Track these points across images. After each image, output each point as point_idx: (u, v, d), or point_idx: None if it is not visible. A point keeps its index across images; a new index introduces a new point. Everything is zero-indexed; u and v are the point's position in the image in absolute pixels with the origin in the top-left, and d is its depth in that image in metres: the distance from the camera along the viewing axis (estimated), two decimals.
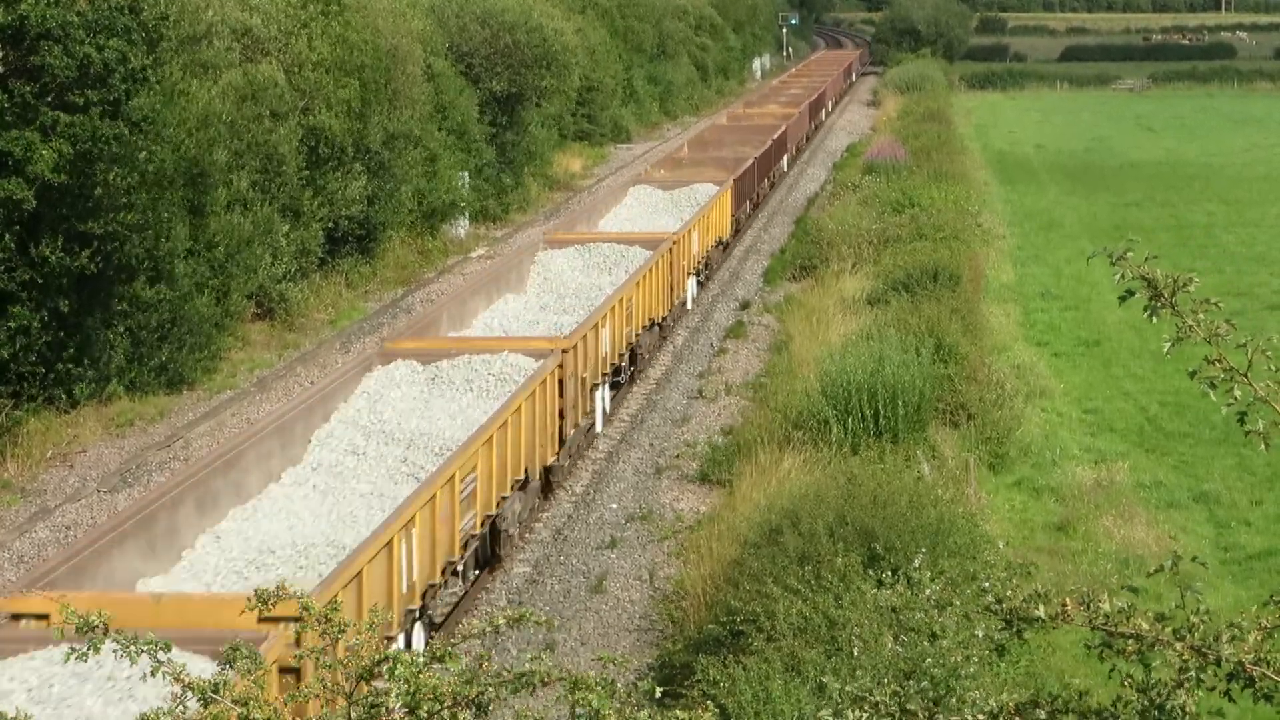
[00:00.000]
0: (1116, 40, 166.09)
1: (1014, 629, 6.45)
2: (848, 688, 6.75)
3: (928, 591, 12.87)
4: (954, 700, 6.54)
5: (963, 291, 30.42)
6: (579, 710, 6.29)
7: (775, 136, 52.21)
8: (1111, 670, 6.18)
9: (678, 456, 24.16)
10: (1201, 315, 6.24)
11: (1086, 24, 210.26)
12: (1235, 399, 6.19)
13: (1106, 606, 6.20)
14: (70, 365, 25.52)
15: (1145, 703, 5.97)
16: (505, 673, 6.43)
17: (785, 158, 56.02)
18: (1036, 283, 37.65)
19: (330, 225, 35.47)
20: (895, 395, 21.35)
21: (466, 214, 44.23)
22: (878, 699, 6.37)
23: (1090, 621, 6.19)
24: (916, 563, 13.42)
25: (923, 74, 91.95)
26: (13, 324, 23.84)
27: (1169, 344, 6.29)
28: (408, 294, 36.52)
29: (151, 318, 27.16)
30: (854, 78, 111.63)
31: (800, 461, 20.27)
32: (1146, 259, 6.33)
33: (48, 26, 23.29)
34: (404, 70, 38.55)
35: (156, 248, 26.76)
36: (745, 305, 35.25)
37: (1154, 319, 6.33)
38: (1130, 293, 6.32)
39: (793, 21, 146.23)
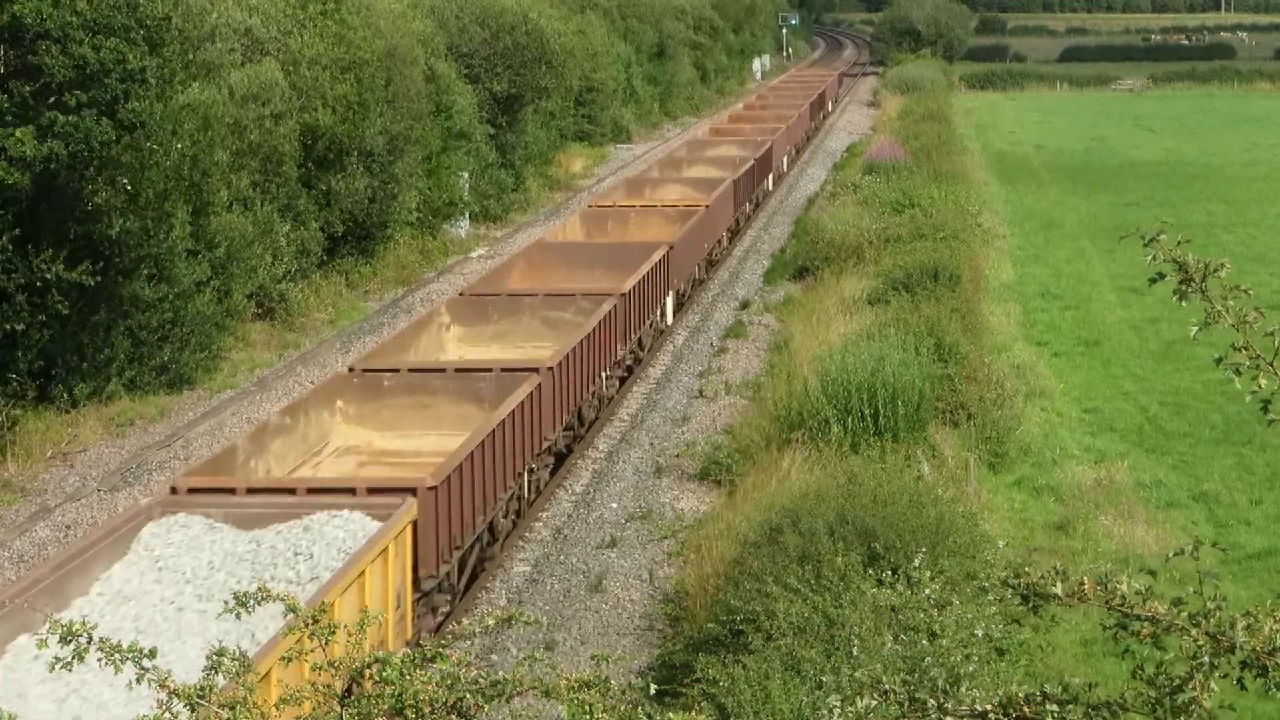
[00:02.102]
0: (1116, 40, 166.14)
1: (1030, 605, 6.45)
2: (858, 673, 6.76)
3: (927, 591, 12.91)
4: (963, 690, 6.53)
5: (963, 291, 30.43)
6: (573, 712, 6.31)
7: (635, 282, 27.42)
8: (1125, 652, 6.19)
9: (678, 456, 24.16)
10: (1230, 301, 6.24)
11: (1086, 24, 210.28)
12: (1259, 387, 6.20)
13: (1124, 588, 6.21)
14: (72, 364, 25.53)
15: (1155, 694, 5.97)
16: (482, 679, 6.47)
17: (670, 297, 31.72)
18: (1036, 282, 37.66)
19: (330, 225, 35.50)
20: (895, 395, 21.36)
21: (467, 214, 44.26)
22: (887, 687, 6.38)
23: (1107, 602, 6.19)
24: (916, 562, 13.45)
25: (922, 74, 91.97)
26: (13, 325, 23.84)
27: (1196, 328, 6.29)
28: (408, 294, 36.55)
29: (152, 317, 27.18)
30: (830, 107, 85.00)
31: (800, 461, 20.28)
32: (1179, 243, 6.34)
33: (46, 26, 23.25)
34: (403, 71, 38.56)
35: (156, 247, 26.77)
36: (745, 305, 35.26)
37: (1183, 303, 6.33)
38: (1160, 275, 6.32)
39: (793, 22, 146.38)
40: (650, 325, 29.77)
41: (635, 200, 39.64)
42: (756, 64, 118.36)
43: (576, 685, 6.32)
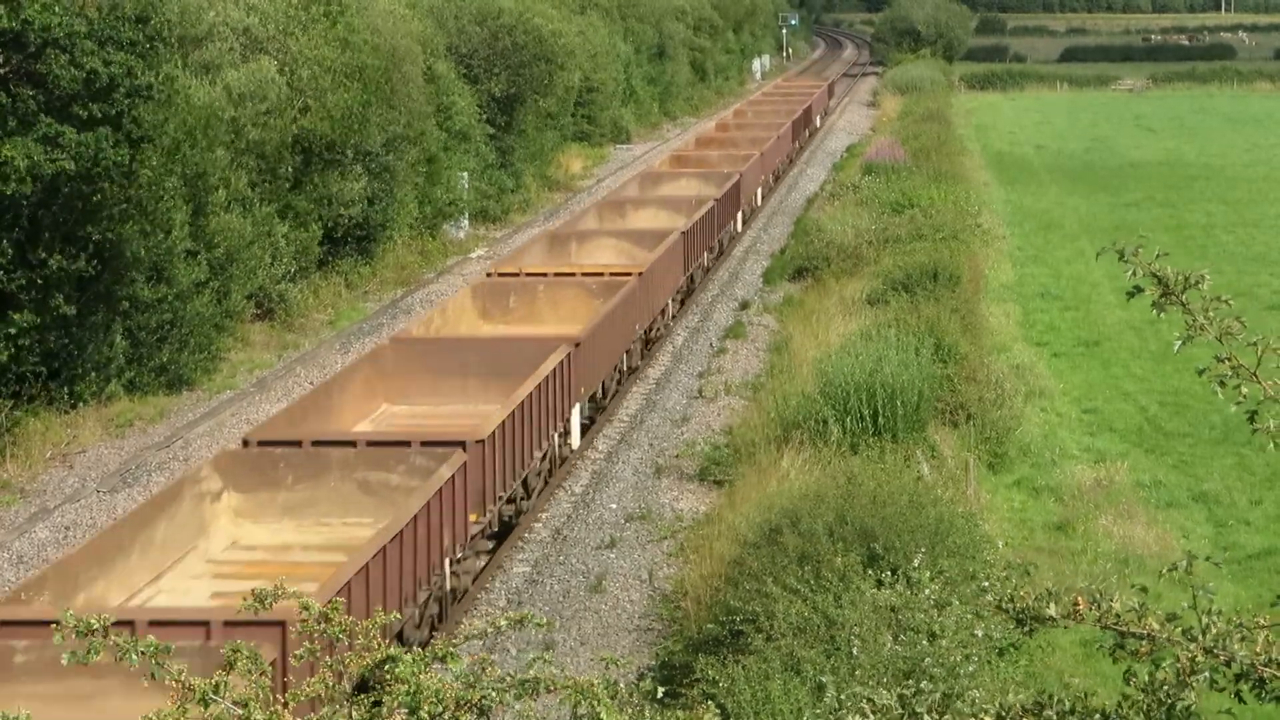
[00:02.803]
0: (1116, 41, 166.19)
1: (1025, 628, 6.46)
2: (851, 690, 6.76)
3: (927, 591, 12.91)
4: (960, 703, 6.54)
5: (962, 291, 30.44)
6: (581, 711, 6.31)
7: (508, 414, 19.29)
8: (1127, 672, 6.19)
9: (677, 456, 24.16)
10: (1211, 313, 6.24)
11: (1086, 24, 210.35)
12: (1244, 397, 6.20)
13: (1118, 606, 6.21)
14: (72, 366, 25.54)
15: (1152, 703, 5.98)
16: (509, 678, 6.45)
17: (576, 409, 23.29)
18: (1036, 283, 37.67)
19: (330, 226, 35.50)
20: (894, 395, 21.36)
21: (466, 214, 44.27)
22: (882, 703, 6.37)
23: (1102, 621, 6.20)
24: (916, 562, 13.45)
25: (922, 74, 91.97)
26: (13, 328, 23.85)
27: (1179, 342, 6.28)
28: (407, 294, 36.56)
29: (151, 318, 27.19)
30: (818, 122, 74.73)
31: (800, 461, 20.27)
32: (1157, 256, 6.34)
33: (54, 35, 23.22)
34: (403, 71, 38.56)
35: (155, 248, 26.79)
36: (745, 305, 35.26)
37: (1162, 315, 6.33)
38: (1138, 289, 6.31)
39: (792, 22, 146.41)
40: (544, 458, 21.41)
41: (550, 265, 30.84)
42: (756, 64, 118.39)
43: (581, 690, 6.31)
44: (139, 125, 24.28)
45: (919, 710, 6.34)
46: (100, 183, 24.10)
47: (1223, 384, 6.20)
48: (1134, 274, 6.30)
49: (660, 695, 6.83)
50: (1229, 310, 6.25)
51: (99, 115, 23.58)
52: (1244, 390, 6.17)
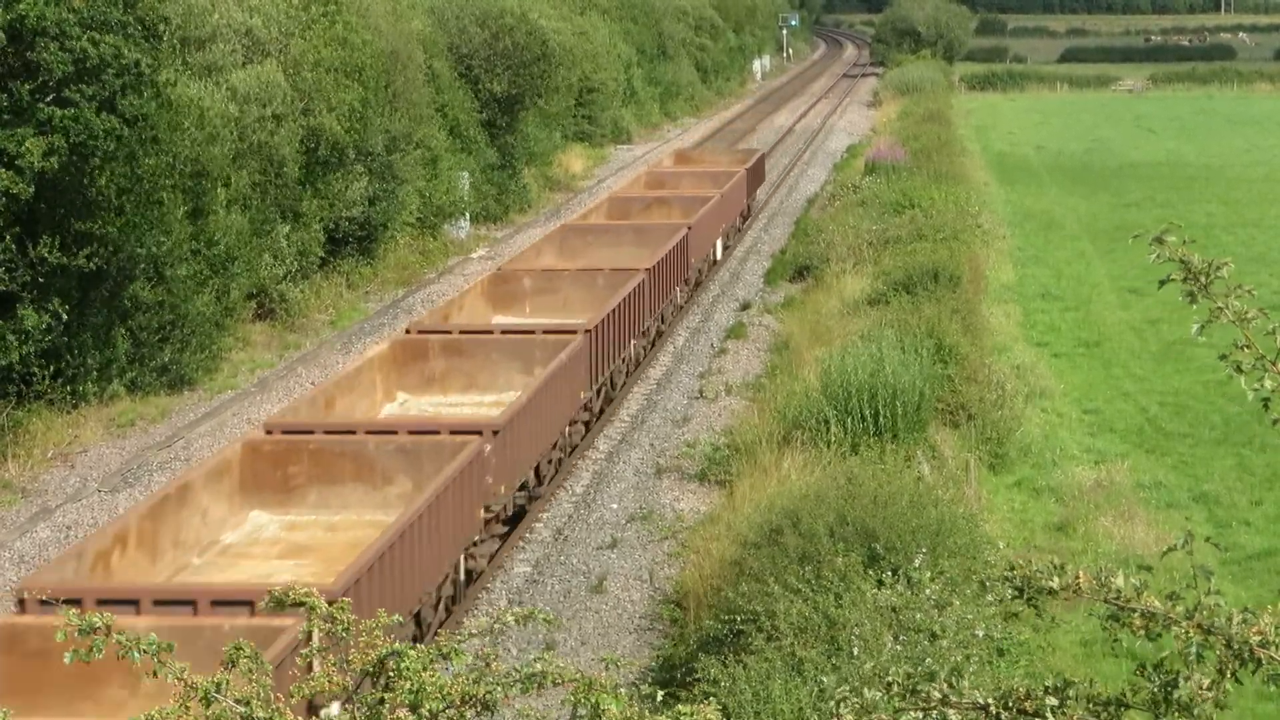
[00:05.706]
0: (1116, 41, 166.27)
1: (1026, 598, 6.52)
2: (866, 666, 6.81)
3: (928, 591, 12.94)
4: (965, 684, 6.59)
5: (963, 292, 30.43)
6: (581, 711, 6.32)
7: None
8: (1114, 641, 6.25)
9: (678, 456, 24.18)
10: (1234, 300, 6.31)
11: (1086, 25, 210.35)
12: (1261, 385, 6.24)
13: (1119, 582, 6.26)
14: (73, 365, 25.56)
15: (1155, 689, 6.01)
16: (515, 672, 6.46)
17: None
18: (1036, 283, 37.68)
19: (331, 226, 35.51)
20: (895, 395, 21.37)
21: (468, 214, 44.29)
22: (890, 679, 6.44)
23: (1103, 597, 6.24)
24: (917, 563, 13.48)
25: (923, 75, 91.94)
26: (15, 326, 23.86)
27: (1198, 325, 6.35)
28: (408, 294, 36.58)
29: (153, 318, 27.21)
30: (716, 253, 38.69)
31: (800, 461, 20.29)
32: (1184, 243, 6.42)
33: (44, 25, 23.36)
34: (404, 72, 38.58)
35: (156, 247, 26.80)
36: (745, 306, 35.28)
37: (1194, 304, 6.41)
38: (1169, 278, 6.40)
39: (793, 22, 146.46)
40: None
41: None
42: (757, 64, 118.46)
43: (588, 684, 6.32)
44: (134, 106, 24.30)
45: (922, 687, 6.37)
46: (94, 159, 24.05)
47: (1240, 369, 6.24)
48: (1158, 257, 6.38)
49: (660, 698, 6.85)
50: (1251, 299, 6.32)
51: (90, 96, 23.65)
52: (1267, 382, 6.21)
